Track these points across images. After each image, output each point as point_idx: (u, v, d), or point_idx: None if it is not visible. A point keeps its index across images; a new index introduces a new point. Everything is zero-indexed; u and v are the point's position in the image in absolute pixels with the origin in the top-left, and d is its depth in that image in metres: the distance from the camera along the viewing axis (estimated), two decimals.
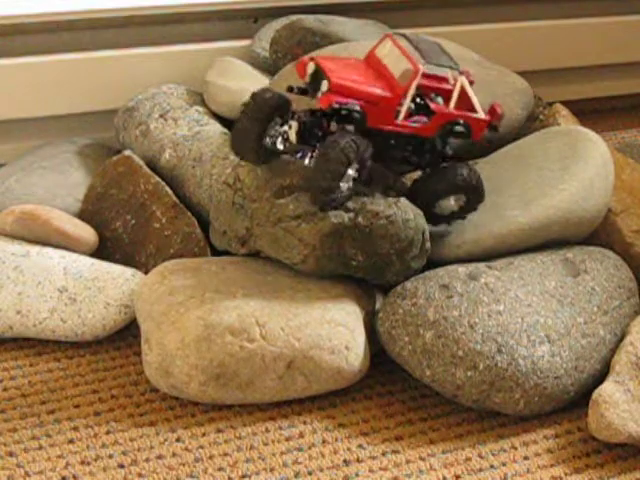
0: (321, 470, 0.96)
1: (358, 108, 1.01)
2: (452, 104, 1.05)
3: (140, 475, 0.94)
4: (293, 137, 1.04)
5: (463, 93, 1.06)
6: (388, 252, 1.05)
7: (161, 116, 1.31)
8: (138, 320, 1.07)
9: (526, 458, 0.98)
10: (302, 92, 1.05)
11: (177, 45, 1.45)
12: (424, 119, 1.06)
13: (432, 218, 1.09)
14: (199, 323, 1.00)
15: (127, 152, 1.27)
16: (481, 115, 1.07)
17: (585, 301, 1.07)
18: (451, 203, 1.09)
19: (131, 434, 0.99)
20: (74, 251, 1.17)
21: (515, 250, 1.11)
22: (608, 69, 1.76)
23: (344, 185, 1.01)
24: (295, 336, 1.01)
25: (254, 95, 1.04)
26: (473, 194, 1.09)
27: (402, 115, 1.04)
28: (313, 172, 1.01)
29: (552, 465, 0.97)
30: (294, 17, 1.44)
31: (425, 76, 1.06)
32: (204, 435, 0.99)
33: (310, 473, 0.95)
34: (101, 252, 1.21)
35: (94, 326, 1.11)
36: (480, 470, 0.96)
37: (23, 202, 1.22)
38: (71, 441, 0.98)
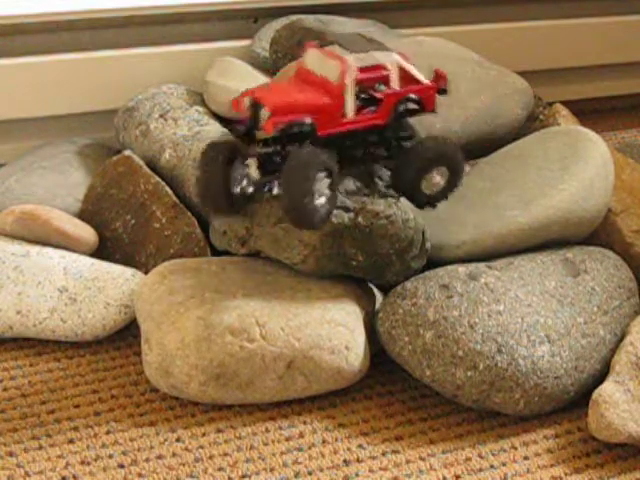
0: (321, 470, 0.96)
1: (306, 120, 1.00)
2: (394, 84, 1.04)
3: (140, 475, 0.94)
4: (255, 173, 1.02)
5: (402, 71, 1.04)
6: (388, 252, 1.05)
7: (161, 116, 1.31)
8: (138, 320, 1.07)
9: (526, 458, 0.98)
10: (247, 132, 1.03)
11: (177, 45, 1.45)
12: (373, 108, 1.04)
13: (422, 200, 1.07)
14: (199, 323, 1.00)
15: (127, 152, 1.27)
16: (426, 82, 1.05)
17: (585, 301, 1.07)
18: (437, 179, 1.07)
19: (131, 434, 0.99)
20: (74, 251, 1.17)
21: (515, 250, 1.11)
22: (608, 69, 1.76)
23: (320, 199, 1.00)
24: (295, 336, 1.01)
25: (205, 149, 1.04)
26: (452, 162, 1.06)
27: (349, 112, 1.02)
28: (284, 198, 0.99)
29: (552, 465, 0.97)
30: (294, 17, 1.44)
31: (361, 70, 1.04)
32: (204, 435, 0.99)
33: (310, 473, 0.95)
34: (101, 252, 1.21)
35: (94, 326, 1.11)
36: (480, 470, 0.96)
37: (23, 202, 1.22)
38: (71, 441, 0.98)
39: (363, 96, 1.05)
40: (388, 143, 1.07)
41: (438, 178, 1.06)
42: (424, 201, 1.07)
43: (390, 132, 1.06)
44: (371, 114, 1.03)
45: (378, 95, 1.04)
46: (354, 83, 1.02)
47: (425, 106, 1.05)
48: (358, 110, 1.03)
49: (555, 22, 1.67)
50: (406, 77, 1.05)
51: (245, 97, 1.02)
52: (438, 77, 1.06)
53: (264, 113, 1.00)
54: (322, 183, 0.99)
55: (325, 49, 1.04)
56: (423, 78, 1.05)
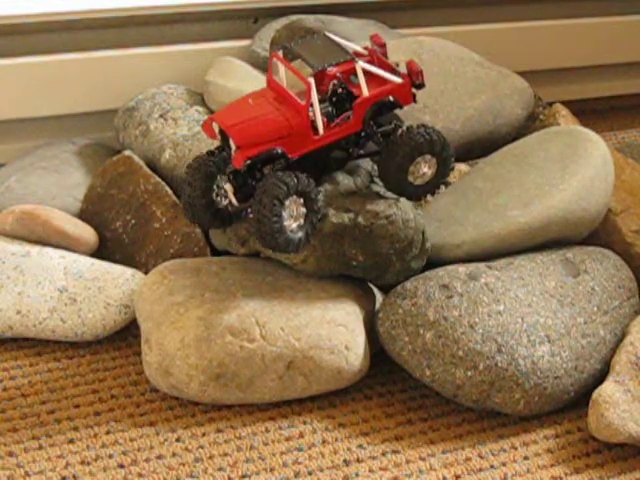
0: (321, 470, 0.96)
1: (277, 151, 0.99)
2: (365, 91, 1.02)
3: (140, 475, 0.94)
4: (234, 200, 1.02)
5: (368, 74, 1.03)
6: (388, 252, 1.05)
7: (161, 116, 1.31)
8: (138, 320, 1.07)
9: (526, 458, 0.98)
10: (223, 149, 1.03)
11: (177, 45, 1.45)
12: (349, 114, 1.03)
13: (410, 191, 1.06)
14: (199, 323, 1.00)
15: (127, 152, 1.27)
16: (397, 80, 1.03)
17: (585, 301, 1.07)
18: (424, 169, 1.05)
19: (131, 434, 0.99)
20: (74, 251, 1.17)
21: (515, 250, 1.11)
22: (608, 69, 1.75)
23: (292, 224, 0.99)
24: (295, 336, 1.01)
25: (190, 164, 1.04)
26: (439, 151, 1.05)
27: (320, 129, 1.01)
28: (255, 226, 0.99)
29: (552, 465, 0.97)
30: (294, 17, 1.44)
31: (334, 66, 1.03)
32: (204, 435, 0.99)
33: (310, 473, 0.95)
34: (101, 252, 1.21)
35: (94, 326, 1.11)
36: (480, 470, 0.96)
37: (23, 202, 1.22)
38: (71, 441, 0.98)
39: (340, 90, 1.04)
40: (368, 140, 1.05)
41: (425, 168, 1.05)
42: (412, 192, 1.06)
43: (368, 130, 1.04)
44: (344, 124, 1.02)
45: (355, 91, 1.02)
46: (333, 88, 1.00)
47: (401, 102, 1.04)
48: (335, 115, 1.02)
49: (555, 22, 1.67)
50: (374, 77, 1.03)
51: (214, 122, 1.02)
52: (412, 70, 1.05)
53: (232, 144, 0.99)
54: (294, 208, 0.99)
55: (289, 64, 1.02)
56: (392, 76, 1.03)
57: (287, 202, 0.98)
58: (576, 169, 1.13)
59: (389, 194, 1.06)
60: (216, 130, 1.02)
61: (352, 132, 1.03)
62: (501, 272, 1.06)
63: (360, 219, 1.03)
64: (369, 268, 1.05)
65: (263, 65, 1.42)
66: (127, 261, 1.20)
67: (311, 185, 0.99)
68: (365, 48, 1.07)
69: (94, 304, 1.11)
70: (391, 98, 1.03)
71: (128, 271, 1.15)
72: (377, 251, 1.04)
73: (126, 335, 1.14)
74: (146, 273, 1.16)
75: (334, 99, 1.05)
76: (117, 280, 1.13)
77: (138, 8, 1.42)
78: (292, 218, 0.99)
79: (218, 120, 1.02)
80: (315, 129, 1.01)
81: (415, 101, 1.05)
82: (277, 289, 1.05)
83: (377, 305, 1.10)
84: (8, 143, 1.41)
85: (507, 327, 1.01)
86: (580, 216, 1.12)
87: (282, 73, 1.03)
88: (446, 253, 1.10)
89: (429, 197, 1.09)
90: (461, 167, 1.26)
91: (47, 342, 1.13)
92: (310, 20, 1.40)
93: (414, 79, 1.04)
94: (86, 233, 1.20)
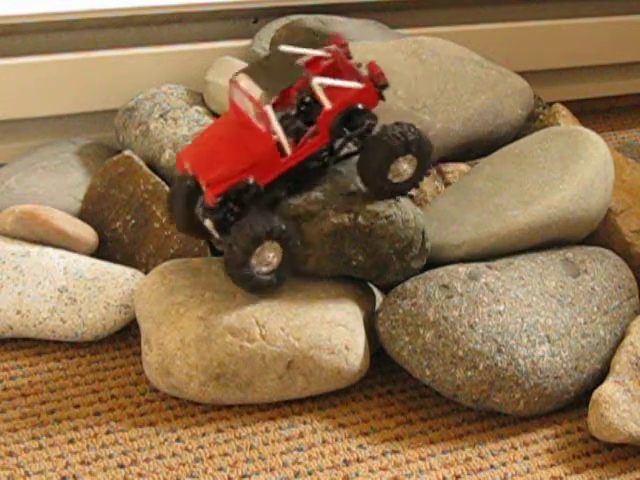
0: (321, 470, 0.96)
1: (246, 182, 0.99)
2: (327, 105, 1.01)
3: (140, 475, 0.94)
4: (216, 234, 1.02)
5: (327, 88, 1.02)
6: (388, 252, 1.05)
7: (161, 116, 1.31)
8: (138, 320, 1.07)
9: (526, 458, 0.98)
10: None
11: (177, 45, 1.45)
12: (315, 129, 1.01)
13: (390, 189, 1.04)
14: (199, 323, 1.00)
15: (127, 152, 1.27)
16: (358, 86, 1.02)
17: (585, 301, 1.07)
18: (404, 167, 1.04)
19: (131, 434, 0.99)
20: (74, 251, 1.17)
21: (515, 250, 1.11)
22: (608, 69, 1.76)
23: (262, 269, 1.00)
24: (295, 336, 1.01)
25: (174, 182, 1.04)
26: (419, 149, 1.04)
27: (288, 151, 1.00)
28: (225, 265, 1.00)
29: (552, 465, 0.97)
30: (294, 17, 1.44)
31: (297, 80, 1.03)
32: (204, 435, 0.99)
33: (310, 473, 0.95)
34: (101, 252, 1.21)
35: (94, 326, 1.11)
36: (480, 470, 0.96)
37: (23, 202, 1.22)
38: (71, 441, 0.98)
39: (308, 99, 1.03)
40: (342, 147, 1.04)
41: (405, 166, 1.04)
42: (392, 190, 1.04)
43: (343, 136, 1.03)
44: (312, 140, 1.01)
45: (322, 104, 1.01)
46: (300, 98, 0.99)
47: (367, 106, 1.03)
48: (307, 124, 1.01)
49: (555, 22, 1.67)
50: (334, 89, 1.02)
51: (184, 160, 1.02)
52: (373, 73, 1.03)
53: (202, 182, 1.00)
54: (266, 254, 1.00)
55: (244, 86, 1.01)
56: (351, 83, 1.02)
57: (258, 250, 0.99)
58: (576, 169, 1.13)
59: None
60: (187, 167, 1.02)
61: (322, 145, 1.02)
62: (501, 272, 1.06)
63: (360, 219, 1.03)
64: (369, 268, 1.05)
65: None
66: (127, 261, 1.20)
67: (286, 228, 1.00)
68: (328, 50, 1.06)
69: (94, 304, 1.11)
70: (360, 106, 1.02)
71: (128, 271, 1.15)
72: (377, 251, 1.04)
73: (126, 335, 1.14)
74: (146, 273, 1.16)
75: (302, 108, 1.05)
76: (117, 280, 1.13)
77: (138, 8, 1.42)
78: (264, 263, 1.00)
79: (184, 159, 1.02)
80: (283, 151, 1.00)
81: (383, 99, 1.04)
82: (277, 289, 1.05)
83: (377, 305, 1.10)
84: (8, 143, 1.41)
85: (507, 327, 1.01)
86: (580, 216, 1.12)
87: (240, 100, 1.02)
88: (446, 253, 1.10)
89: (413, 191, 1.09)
90: (461, 167, 1.26)
91: (47, 342, 1.13)
92: (310, 20, 1.40)
93: (376, 81, 1.03)
94: (86, 233, 1.20)
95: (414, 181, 1.06)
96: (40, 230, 1.17)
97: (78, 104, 1.41)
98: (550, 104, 1.41)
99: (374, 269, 1.06)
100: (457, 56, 1.33)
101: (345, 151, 1.06)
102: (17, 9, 1.37)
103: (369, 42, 1.30)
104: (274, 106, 1.02)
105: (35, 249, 1.15)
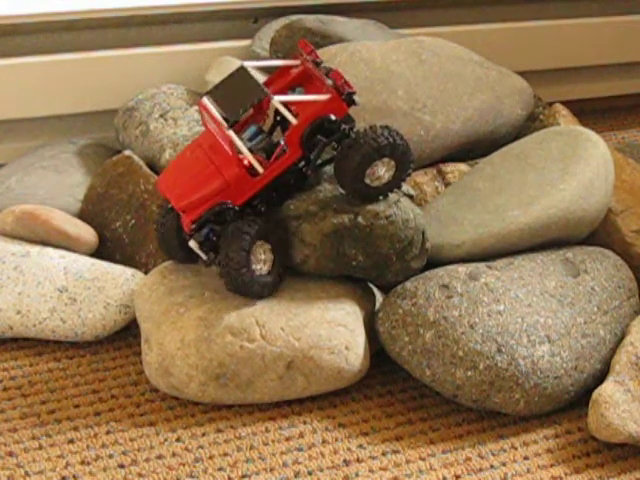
0: (321, 470, 0.96)
1: (222, 206, 0.99)
2: (292, 120, 1.00)
3: (140, 475, 0.94)
4: (202, 255, 1.02)
5: (291, 103, 1.01)
6: (388, 252, 1.05)
7: (161, 116, 1.31)
8: (138, 320, 1.07)
9: (526, 458, 0.98)
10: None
11: (177, 45, 1.45)
12: (284, 146, 1.00)
13: (367, 193, 1.03)
14: (199, 323, 1.00)
15: (127, 152, 1.27)
16: (322, 98, 1.01)
17: (585, 301, 1.07)
18: (381, 170, 1.03)
19: (131, 434, 0.99)
20: (74, 251, 1.17)
21: (515, 250, 1.11)
22: (608, 69, 1.76)
23: (262, 268, 1.01)
24: (295, 336, 1.01)
25: (160, 206, 1.05)
26: (397, 153, 1.02)
27: (259, 170, 1.00)
28: (225, 279, 1.00)
29: (552, 465, 0.97)
30: (294, 17, 1.44)
31: (268, 83, 1.02)
32: (204, 435, 0.99)
33: (310, 473, 0.95)
34: (101, 252, 1.21)
35: (94, 326, 1.11)
36: (480, 470, 0.96)
37: (23, 202, 1.22)
38: (71, 441, 0.98)
39: (278, 118, 1.03)
40: (317, 158, 1.03)
41: (383, 170, 1.03)
42: (369, 194, 1.03)
43: (318, 145, 1.02)
44: (284, 156, 1.00)
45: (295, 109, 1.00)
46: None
47: (336, 115, 1.01)
48: (273, 148, 1.01)
49: (555, 22, 1.67)
50: (298, 103, 1.01)
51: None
52: (338, 82, 1.02)
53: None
54: (260, 252, 1.00)
55: (210, 109, 1.00)
56: (313, 96, 1.01)
57: (253, 249, 0.99)
58: (576, 169, 1.13)
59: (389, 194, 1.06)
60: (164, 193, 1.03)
61: (295, 159, 1.02)
62: (501, 272, 1.06)
63: (360, 219, 1.03)
64: (369, 268, 1.05)
65: None
66: (127, 261, 1.20)
67: (268, 226, 1.00)
68: (295, 58, 1.05)
69: (94, 304, 1.11)
70: (325, 120, 1.01)
71: (128, 271, 1.15)
72: (377, 251, 1.04)
73: (126, 335, 1.14)
74: (146, 273, 1.16)
75: (278, 118, 1.04)
76: (117, 280, 1.13)
77: (138, 8, 1.42)
78: (261, 262, 1.01)
79: (159, 187, 1.02)
80: (255, 171, 1.00)
81: (354, 104, 1.02)
82: (277, 289, 1.05)
83: (377, 305, 1.10)
84: (8, 143, 1.41)
85: (507, 327, 1.01)
86: (580, 216, 1.12)
87: (209, 122, 1.02)
88: (446, 253, 1.10)
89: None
90: (461, 167, 1.26)
91: (47, 342, 1.13)
92: (310, 20, 1.40)
93: (341, 91, 1.02)
94: (86, 233, 1.20)
95: (395, 184, 1.05)
96: (40, 230, 1.17)
97: (78, 104, 1.41)
98: (550, 104, 1.41)
99: (374, 269, 1.06)
100: (457, 56, 1.33)
101: (323, 159, 1.05)
102: (17, 9, 1.37)
103: (369, 42, 1.30)
104: (249, 120, 1.03)
105: (35, 249, 1.15)
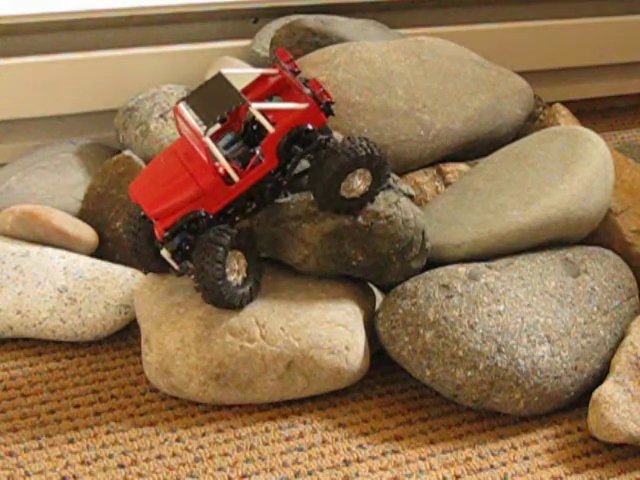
0: (321, 470, 0.96)
1: (195, 214, 0.98)
2: (269, 129, 0.98)
3: (140, 475, 0.94)
4: (174, 265, 1.01)
5: (268, 112, 1.00)
6: (388, 252, 1.05)
7: (161, 116, 1.31)
8: (138, 320, 1.07)
9: (526, 458, 0.98)
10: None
11: (177, 45, 1.45)
12: (260, 155, 0.99)
13: (341, 205, 1.02)
14: (199, 323, 1.00)
15: (127, 152, 1.27)
16: (301, 107, 0.99)
17: (585, 301, 1.07)
18: (357, 182, 1.02)
19: (131, 434, 0.99)
20: (74, 251, 1.18)
21: (515, 250, 1.11)
22: (608, 69, 1.76)
23: (237, 278, 1.00)
24: (295, 336, 1.01)
25: (130, 215, 1.04)
26: (373, 164, 1.01)
27: (235, 178, 0.98)
28: (201, 291, 0.99)
29: (552, 465, 0.97)
30: (294, 17, 1.44)
31: (246, 90, 1.01)
32: (204, 435, 0.99)
33: (310, 473, 0.95)
34: (101, 252, 1.21)
35: (94, 326, 1.11)
36: (480, 470, 0.96)
37: (23, 202, 1.22)
38: (71, 441, 0.98)
39: (254, 127, 1.02)
40: (294, 167, 1.02)
41: (359, 182, 1.02)
42: (344, 206, 1.02)
43: (294, 155, 1.01)
44: (260, 164, 0.99)
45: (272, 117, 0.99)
46: (250, 118, 0.97)
47: (313, 125, 1.00)
48: (247, 157, 1.00)
49: (555, 22, 1.67)
50: (275, 111, 1.00)
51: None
52: (316, 93, 1.00)
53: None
54: (234, 262, 1.00)
55: (185, 116, 0.99)
56: (292, 105, 0.99)
57: (227, 260, 0.98)
58: (576, 169, 1.13)
59: (389, 194, 1.06)
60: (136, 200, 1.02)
61: (271, 168, 1.00)
62: (501, 272, 1.06)
63: (360, 219, 1.03)
64: (369, 268, 1.05)
65: (263, 65, 1.42)
66: (127, 261, 1.20)
67: (239, 233, 0.99)
68: (274, 66, 1.04)
69: (94, 304, 1.11)
70: (309, 126, 0.99)
71: (128, 271, 1.15)
72: (377, 251, 1.04)
73: (126, 335, 1.14)
74: (146, 273, 1.15)
75: (254, 127, 1.03)
76: (117, 280, 1.13)
77: (138, 8, 1.42)
78: (235, 272, 1.00)
79: (132, 194, 1.01)
80: (230, 179, 0.99)
81: (332, 114, 1.01)
82: (277, 289, 1.05)
83: (377, 305, 1.10)
84: (8, 143, 1.41)
85: (507, 327, 1.01)
86: (580, 216, 1.12)
87: (185, 129, 1.01)
88: (446, 253, 1.10)
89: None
90: (461, 167, 1.26)
91: (47, 342, 1.13)
92: (310, 20, 1.40)
93: (319, 100, 1.00)
94: (86, 233, 1.20)
95: (369, 196, 1.03)
96: (40, 230, 1.17)
97: (78, 104, 1.41)
98: (550, 104, 1.41)
99: (374, 269, 1.06)
100: (457, 56, 1.33)
101: (299, 169, 1.03)
102: (17, 9, 1.37)
103: (369, 42, 1.30)
104: (226, 128, 1.02)
105: (35, 249, 1.15)
